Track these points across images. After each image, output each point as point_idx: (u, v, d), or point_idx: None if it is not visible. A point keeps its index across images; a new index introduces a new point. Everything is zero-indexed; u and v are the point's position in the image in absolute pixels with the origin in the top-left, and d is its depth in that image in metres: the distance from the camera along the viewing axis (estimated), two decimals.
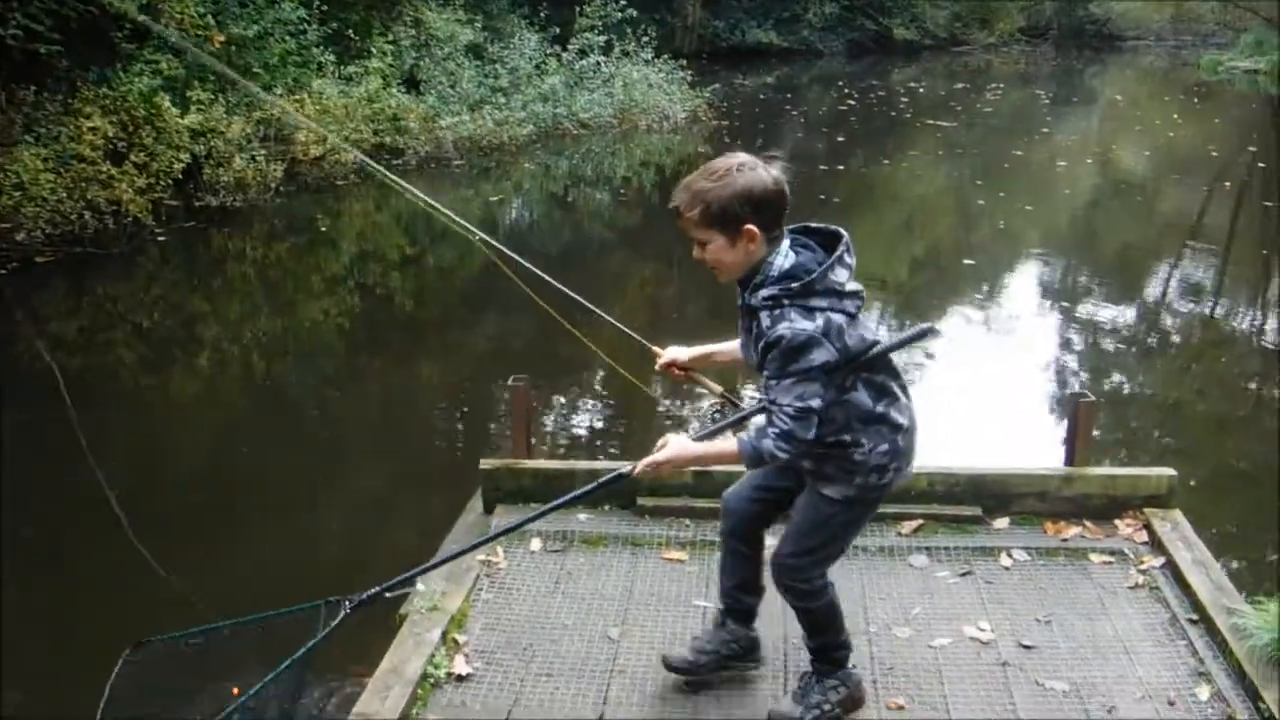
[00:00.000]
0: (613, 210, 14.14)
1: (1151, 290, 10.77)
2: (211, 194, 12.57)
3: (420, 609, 3.80)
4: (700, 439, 3.08)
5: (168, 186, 11.84)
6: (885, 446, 2.95)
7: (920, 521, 4.38)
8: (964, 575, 4.08)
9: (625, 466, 3.17)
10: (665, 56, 21.07)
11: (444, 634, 3.71)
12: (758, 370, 2.88)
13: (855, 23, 34.55)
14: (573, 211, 14.38)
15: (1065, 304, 10.06)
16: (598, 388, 7.99)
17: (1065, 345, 8.98)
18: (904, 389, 3.02)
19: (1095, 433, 4.78)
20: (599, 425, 7.35)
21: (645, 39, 20.46)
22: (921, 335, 3.30)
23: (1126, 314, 9.89)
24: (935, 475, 4.41)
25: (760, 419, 2.93)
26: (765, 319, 2.74)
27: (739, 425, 3.14)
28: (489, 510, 4.59)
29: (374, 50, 16.03)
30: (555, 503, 3.43)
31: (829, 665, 3.31)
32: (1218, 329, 9.57)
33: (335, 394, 7.77)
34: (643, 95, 19.80)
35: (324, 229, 12.44)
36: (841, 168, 16.94)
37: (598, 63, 19.64)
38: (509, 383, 4.64)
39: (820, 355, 2.71)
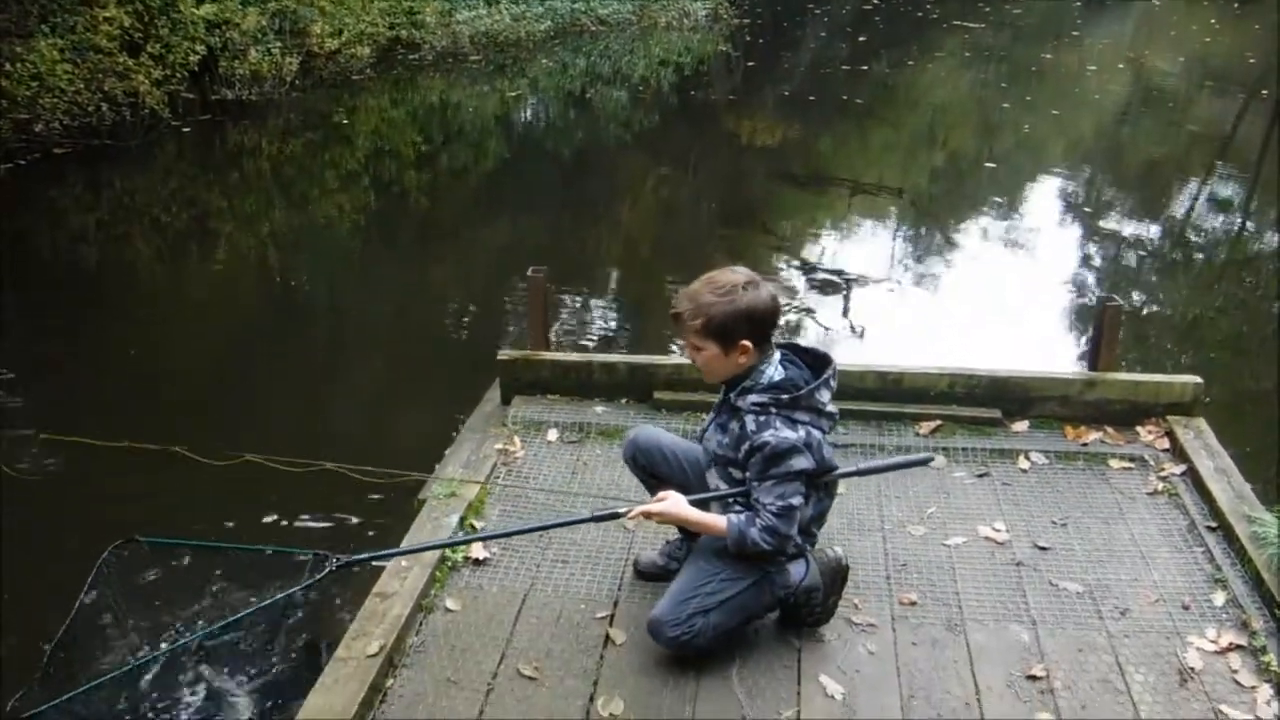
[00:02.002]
0: (630, 110, 13.91)
1: (1178, 204, 10.57)
2: (227, 87, 12.45)
3: (438, 495, 3.81)
4: (695, 503, 3.12)
5: (183, 79, 11.71)
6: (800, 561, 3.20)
7: (939, 422, 4.35)
8: (981, 477, 4.07)
9: (622, 508, 3.22)
10: None
11: (462, 519, 3.74)
12: (724, 465, 3.11)
13: None
14: (589, 111, 14.16)
15: (1088, 215, 9.90)
16: (613, 286, 7.95)
17: (1086, 257, 8.85)
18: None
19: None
20: (613, 322, 7.32)
21: None
22: (921, 462, 3.43)
23: (1150, 227, 9.74)
24: (956, 376, 4.38)
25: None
26: (751, 423, 2.95)
27: (728, 502, 3.16)
28: (506, 400, 4.58)
29: None
30: (547, 523, 3.49)
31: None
32: (1245, 247, 9.42)
33: (351, 288, 7.74)
34: None
35: (340, 124, 12.28)
36: (865, 68, 16.63)
37: None
38: (528, 274, 4.59)
39: (801, 462, 2.94)
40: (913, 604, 3.39)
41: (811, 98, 14.63)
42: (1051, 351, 6.51)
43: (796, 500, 2.97)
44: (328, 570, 3.14)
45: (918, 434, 4.34)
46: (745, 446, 2.95)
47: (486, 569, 3.58)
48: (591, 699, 3.03)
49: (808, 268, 8.00)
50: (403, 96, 13.33)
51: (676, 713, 2.98)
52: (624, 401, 4.56)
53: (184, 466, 4.42)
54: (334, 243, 8.87)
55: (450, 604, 3.40)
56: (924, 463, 3.40)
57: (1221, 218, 10.10)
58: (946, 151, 12.77)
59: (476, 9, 16.36)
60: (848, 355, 6.43)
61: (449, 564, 3.54)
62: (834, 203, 10.10)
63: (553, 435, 4.37)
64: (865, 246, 8.73)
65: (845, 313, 7.15)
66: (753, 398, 2.96)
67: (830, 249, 8.61)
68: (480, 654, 3.20)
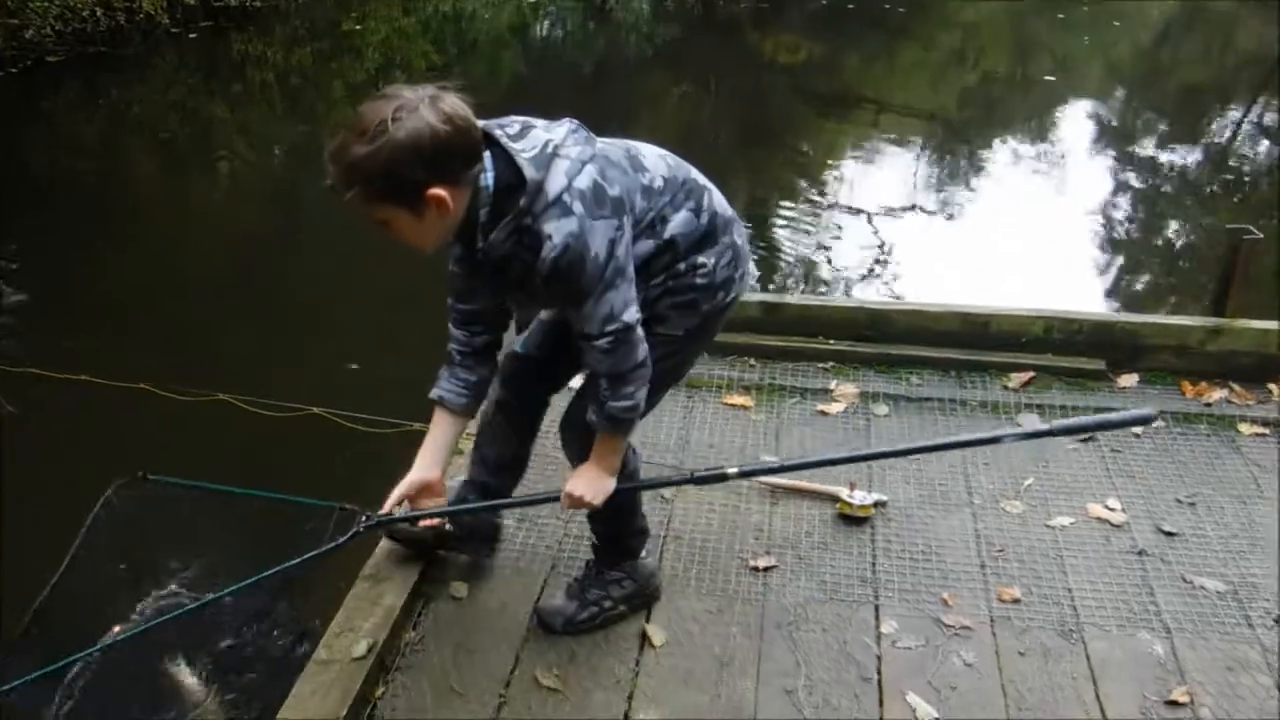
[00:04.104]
0: (652, 23, 13.06)
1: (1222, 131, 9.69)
2: None
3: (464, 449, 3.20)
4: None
5: None
6: (729, 256, 2.36)
7: (1032, 374, 3.72)
8: (1085, 441, 3.44)
9: (730, 469, 2.51)
10: None
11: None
12: (549, 307, 2.44)
13: None
14: (609, 22, 13.32)
15: (1124, 145, 9.07)
16: None
17: (1147, 184, 8.08)
18: (705, 183, 2.36)
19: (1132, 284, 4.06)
20: None
21: None
22: (1140, 421, 2.54)
23: (1191, 155, 8.87)
24: (1053, 319, 3.74)
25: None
26: (522, 256, 2.08)
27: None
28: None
29: None
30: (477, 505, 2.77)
31: (618, 554, 2.73)
32: None
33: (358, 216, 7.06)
34: None
35: (349, 33, 11.54)
36: None
37: None
38: None
39: (600, 238, 2.06)
40: (1015, 601, 2.79)
41: (850, 5, 13.73)
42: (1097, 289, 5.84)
43: (631, 313, 2.13)
44: (355, 531, 2.50)
45: (1006, 387, 3.71)
46: (539, 282, 2.07)
47: (500, 546, 2.99)
48: (626, 717, 2.45)
49: (830, 193, 7.31)
50: (415, 5, 12.53)
51: None
52: None
53: (150, 403, 3.81)
54: None
55: (456, 590, 2.82)
56: (1144, 421, 2.56)
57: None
58: (979, 73, 11.93)
59: None
60: (877, 293, 5.79)
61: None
62: (860, 124, 9.36)
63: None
64: (890, 171, 8.01)
65: (878, 245, 6.46)
66: (496, 234, 2.06)
67: (854, 173, 7.91)
68: (491, 656, 2.63)
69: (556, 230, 2.02)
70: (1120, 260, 6.54)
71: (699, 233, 2.28)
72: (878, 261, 6.23)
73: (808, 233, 6.68)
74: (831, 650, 2.65)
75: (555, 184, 2.03)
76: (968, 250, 6.45)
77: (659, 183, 2.23)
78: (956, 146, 8.90)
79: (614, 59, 11.86)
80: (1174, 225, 7.25)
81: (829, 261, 6.30)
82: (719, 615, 2.76)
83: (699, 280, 2.31)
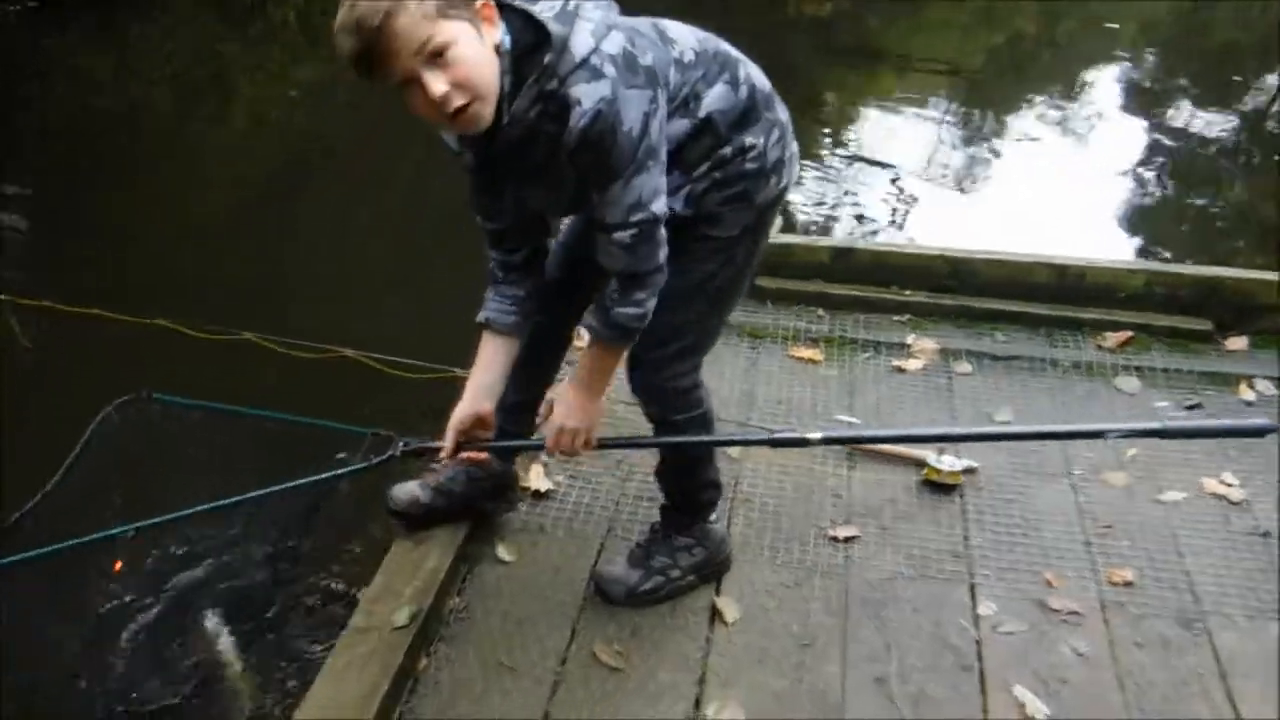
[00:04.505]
0: None
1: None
2: None
3: None
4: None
5: None
6: (776, 133, 2.05)
7: (1129, 334, 3.41)
8: (1191, 409, 3.14)
9: (813, 434, 2.16)
10: None
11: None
12: (572, 210, 2.07)
13: None
14: None
15: (1157, 107, 8.61)
16: None
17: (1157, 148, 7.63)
18: (738, 55, 2.05)
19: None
20: None
21: None
22: (1255, 432, 2.26)
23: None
24: (1155, 274, 3.43)
25: None
26: (546, 129, 1.79)
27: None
28: None
29: None
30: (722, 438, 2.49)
31: (687, 514, 2.44)
32: None
33: (386, 155, 6.72)
34: None
35: None
36: None
37: None
38: None
39: (635, 109, 1.76)
40: (1128, 585, 2.50)
41: None
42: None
43: (660, 205, 1.85)
44: (391, 454, 2.23)
45: (1101, 347, 3.40)
46: (565, 155, 1.80)
47: (550, 505, 2.72)
48: (697, 703, 2.18)
49: (854, 145, 6.94)
50: None
51: None
52: None
53: (168, 342, 3.51)
54: (368, 103, 7.83)
55: (503, 553, 2.55)
56: (1259, 433, 2.26)
57: None
58: (1008, 32, 11.43)
59: None
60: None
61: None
62: (886, 79, 8.96)
63: None
64: (917, 129, 7.62)
65: (903, 198, 6.10)
66: (519, 103, 1.77)
67: (877, 130, 7.52)
68: (543, 626, 2.35)
69: (587, 95, 1.74)
70: (1198, 216, 6.17)
71: (739, 109, 1.98)
72: (905, 215, 5.87)
73: (832, 183, 6.33)
74: (924, 633, 2.37)
75: (581, 44, 1.75)
76: (1004, 208, 6.08)
77: (690, 56, 1.93)
78: (987, 101, 8.51)
79: (624, 8, 11.42)
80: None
81: (859, 219, 5.95)
82: (796, 589, 2.48)
83: (749, 166, 2.01)
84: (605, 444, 2.25)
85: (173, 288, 4.30)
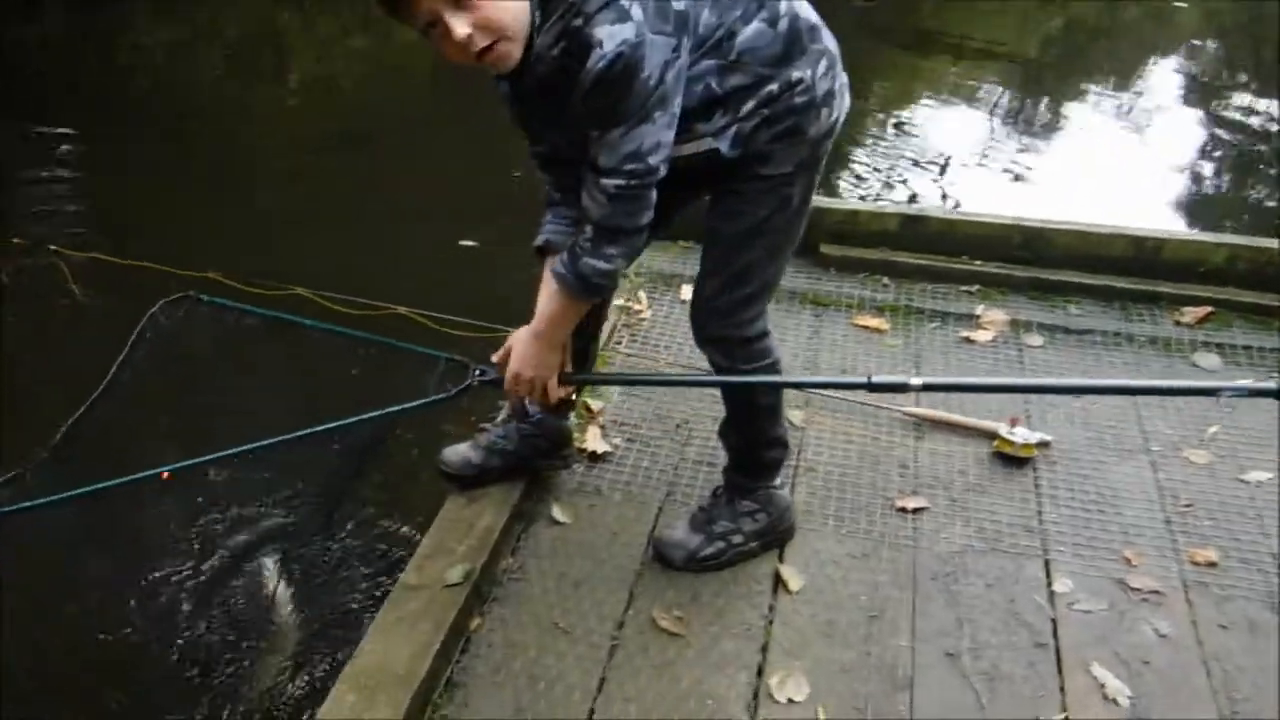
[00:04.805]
0: None
1: None
2: None
3: None
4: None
5: None
6: (825, 65, 1.95)
7: (1209, 310, 3.27)
8: None
9: (914, 379, 2.00)
10: None
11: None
12: (576, 153, 1.87)
13: None
14: None
15: (1217, 98, 8.33)
16: None
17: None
18: None
19: None
20: None
21: None
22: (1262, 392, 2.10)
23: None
24: (1238, 247, 3.29)
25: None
26: (569, 68, 1.72)
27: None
28: None
29: None
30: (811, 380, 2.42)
31: (752, 474, 2.35)
32: None
33: (440, 121, 6.64)
34: None
35: None
36: None
37: None
38: None
39: (657, 56, 1.70)
40: (1211, 565, 2.38)
41: None
42: None
43: (657, 157, 1.78)
44: (468, 383, 2.14)
45: (1179, 323, 3.26)
46: (578, 99, 1.74)
47: (608, 467, 2.64)
48: (760, 672, 2.09)
49: (904, 135, 6.76)
50: None
51: (885, 709, 2.03)
52: None
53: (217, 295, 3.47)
54: (420, 70, 7.77)
55: (559, 514, 2.47)
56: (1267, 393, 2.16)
57: None
58: (1066, 17, 11.13)
59: None
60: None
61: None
62: (936, 66, 8.74)
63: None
64: (971, 114, 7.42)
65: (955, 189, 5.93)
66: (542, 40, 1.74)
67: (930, 116, 7.33)
68: (600, 590, 2.28)
69: (610, 36, 1.67)
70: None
71: (776, 45, 1.88)
72: (958, 205, 5.71)
73: (883, 170, 6.18)
74: (997, 609, 2.26)
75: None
76: (1058, 196, 5.90)
77: None
78: (1042, 89, 8.29)
79: None
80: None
81: (911, 199, 5.80)
82: (863, 560, 2.38)
83: (798, 100, 1.91)
84: (569, 379, 2.15)
85: (224, 245, 4.24)
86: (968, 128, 7.09)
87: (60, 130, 5.80)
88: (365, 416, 2.05)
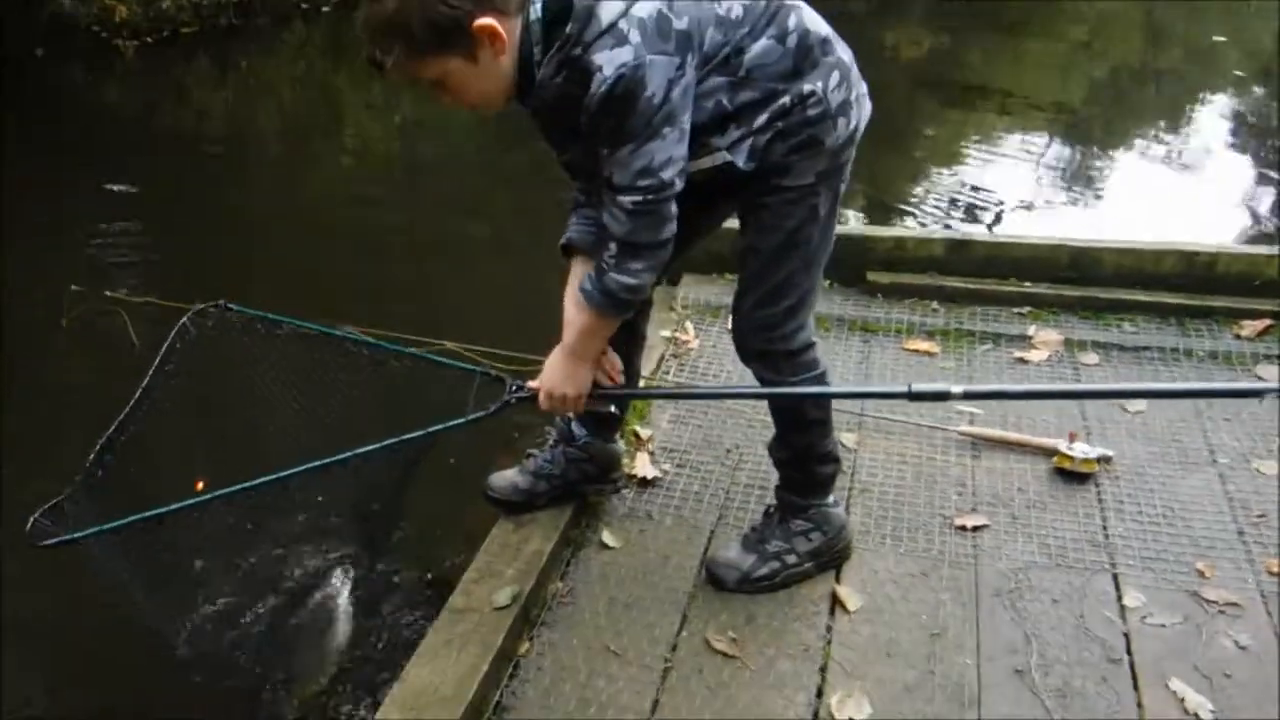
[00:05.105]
0: None
1: None
2: None
3: None
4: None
5: None
6: (837, 76, 1.95)
7: (1269, 322, 3.18)
8: None
9: (956, 388, 1.98)
10: None
11: (622, 425, 2.73)
12: (596, 167, 1.87)
13: None
14: None
15: (1266, 140, 8.18)
16: None
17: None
18: (794, 5, 1.94)
19: None
20: None
21: None
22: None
23: None
24: None
25: None
26: (573, 94, 1.76)
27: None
28: (674, 280, 3.56)
29: None
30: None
31: (805, 491, 2.29)
32: None
33: (485, 182, 6.72)
34: None
35: None
36: None
37: None
38: None
39: (659, 75, 1.73)
40: None
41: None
42: None
43: (670, 172, 1.79)
44: (505, 400, 2.08)
45: (1238, 336, 3.18)
46: (585, 121, 1.78)
47: (658, 492, 2.59)
48: (819, 693, 2.02)
49: (954, 186, 6.71)
50: None
51: None
52: (828, 284, 3.49)
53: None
54: (466, 133, 7.90)
55: (609, 539, 2.42)
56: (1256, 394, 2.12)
57: None
58: (1109, 64, 11.07)
59: None
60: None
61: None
62: (984, 117, 8.70)
63: None
64: (1020, 164, 7.36)
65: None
66: (544, 70, 1.77)
67: (983, 166, 7.28)
68: (652, 613, 2.22)
69: (608, 61, 1.71)
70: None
71: (787, 60, 1.89)
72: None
73: (933, 221, 6.13)
74: (1066, 625, 2.18)
75: (609, 10, 1.72)
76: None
77: (738, 11, 1.86)
78: (1090, 137, 8.20)
79: None
80: None
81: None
82: (923, 579, 2.31)
83: (812, 112, 1.91)
84: (603, 395, 2.12)
85: (275, 290, 4.29)
86: (1018, 178, 7.02)
87: (122, 187, 5.96)
88: (404, 438, 2.01)
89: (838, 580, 2.30)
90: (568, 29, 1.72)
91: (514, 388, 2.07)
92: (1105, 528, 2.45)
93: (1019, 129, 8.08)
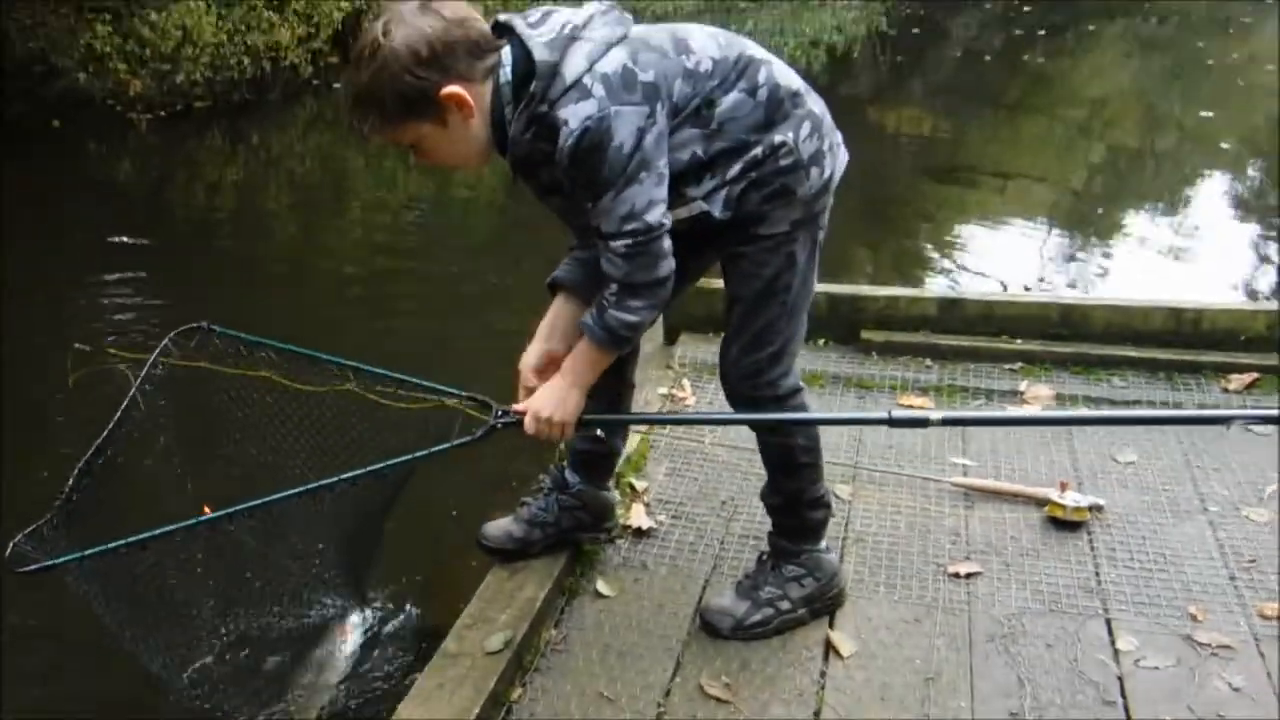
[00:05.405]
0: None
1: None
2: None
3: None
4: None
5: (328, 40, 11.10)
6: (808, 127, 2.01)
7: (1255, 376, 3.22)
8: None
9: (934, 414, 2.06)
10: None
11: (617, 476, 2.76)
12: (578, 217, 2.00)
13: None
14: None
15: (1264, 220, 8.26)
16: None
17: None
18: (763, 56, 2.01)
19: None
20: None
21: None
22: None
23: None
24: (1276, 314, 3.25)
25: None
26: (543, 149, 1.87)
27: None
28: (671, 340, 3.61)
29: None
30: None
31: (796, 536, 2.32)
32: None
33: (491, 255, 6.82)
34: None
35: None
36: (1025, 58, 15.15)
37: None
38: None
39: (626, 125, 1.81)
40: None
41: (964, 85, 13.30)
42: None
43: (655, 215, 1.85)
44: (491, 425, 2.07)
45: (1226, 390, 3.22)
46: (561, 172, 1.87)
47: (653, 543, 2.61)
48: None
49: (955, 266, 6.79)
50: None
51: None
52: (822, 343, 3.54)
53: (270, 392, 3.53)
54: (474, 212, 8.06)
55: (603, 587, 2.44)
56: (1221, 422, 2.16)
57: None
58: (1106, 144, 11.22)
59: None
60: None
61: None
62: (986, 197, 8.83)
63: None
64: (1020, 244, 7.44)
65: None
66: (514, 128, 1.85)
67: (984, 245, 7.36)
68: (646, 660, 2.22)
69: (573, 115, 1.80)
70: None
71: (757, 113, 1.96)
72: None
73: None
74: (1060, 668, 2.18)
75: (573, 67, 1.81)
76: None
77: (706, 65, 1.92)
78: (1089, 217, 8.28)
79: None
80: None
81: None
82: (916, 625, 2.32)
83: (784, 162, 1.98)
84: (590, 421, 2.16)
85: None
86: (1019, 257, 7.07)
87: (136, 240, 6.08)
88: (388, 463, 2.02)
89: (831, 626, 2.31)
90: (532, 87, 1.81)
91: (499, 413, 2.09)
92: (1098, 574, 2.46)
93: (1018, 209, 8.17)
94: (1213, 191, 9.14)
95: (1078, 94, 13.51)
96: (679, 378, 3.37)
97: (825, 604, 2.34)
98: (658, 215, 1.86)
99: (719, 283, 2.41)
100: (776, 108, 1.96)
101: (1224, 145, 10.73)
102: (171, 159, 8.71)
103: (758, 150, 1.95)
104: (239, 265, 6.18)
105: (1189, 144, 10.92)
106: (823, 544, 2.34)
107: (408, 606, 2.56)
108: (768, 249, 2.04)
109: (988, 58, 15.29)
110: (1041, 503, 2.68)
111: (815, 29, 16.78)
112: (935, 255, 6.99)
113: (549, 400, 2.03)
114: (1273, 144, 10.26)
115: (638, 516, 2.65)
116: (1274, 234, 7.69)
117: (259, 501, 1.90)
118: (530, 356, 2.13)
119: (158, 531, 1.81)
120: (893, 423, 1.99)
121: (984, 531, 2.63)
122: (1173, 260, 7.04)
